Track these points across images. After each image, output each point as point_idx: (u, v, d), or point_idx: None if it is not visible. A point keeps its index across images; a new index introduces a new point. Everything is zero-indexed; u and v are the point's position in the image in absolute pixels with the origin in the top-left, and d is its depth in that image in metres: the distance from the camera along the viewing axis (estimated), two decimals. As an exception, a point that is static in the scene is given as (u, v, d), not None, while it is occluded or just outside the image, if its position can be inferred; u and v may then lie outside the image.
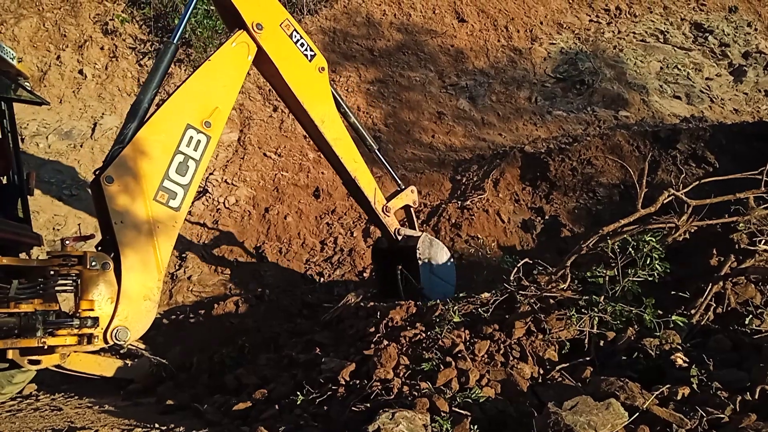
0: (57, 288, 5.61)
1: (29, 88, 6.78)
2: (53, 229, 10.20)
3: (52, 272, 5.61)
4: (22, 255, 6.36)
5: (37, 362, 5.49)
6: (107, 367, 6.79)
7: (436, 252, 7.47)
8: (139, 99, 5.87)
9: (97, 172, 5.68)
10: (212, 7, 12.61)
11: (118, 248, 5.47)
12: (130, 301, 5.47)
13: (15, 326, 5.25)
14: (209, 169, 11.69)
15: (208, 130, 5.99)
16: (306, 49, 6.74)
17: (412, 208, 7.92)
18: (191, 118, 5.92)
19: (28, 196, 6.79)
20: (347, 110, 7.45)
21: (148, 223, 5.59)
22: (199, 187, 11.31)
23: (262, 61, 6.55)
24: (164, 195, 5.71)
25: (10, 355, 5.15)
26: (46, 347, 5.29)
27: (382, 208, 7.41)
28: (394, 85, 13.11)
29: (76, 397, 6.74)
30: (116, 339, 5.36)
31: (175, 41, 6.06)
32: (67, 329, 5.31)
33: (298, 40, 6.70)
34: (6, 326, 5.19)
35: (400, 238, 7.53)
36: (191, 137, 5.90)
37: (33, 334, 5.20)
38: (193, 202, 11.00)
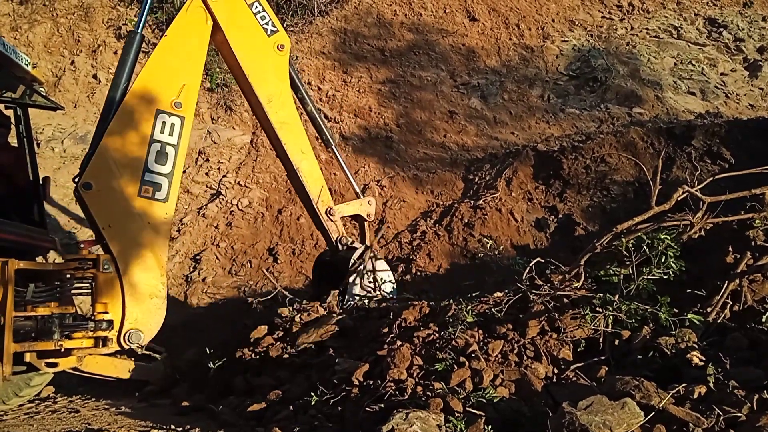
0: (73, 291, 5.67)
1: (44, 94, 6.85)
2: (69, 233, 10.31)
3: (68, 276, 5.67)
4: (39, 259, 6.44)
5: (54, 365, 5.55)
6: (123, 369, 6.83)
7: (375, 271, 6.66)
8: (110, 97, 5.61)
9: (76, 180, 5.51)
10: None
11: (112, 253, 5.38)
12: (136, 302, 5.39)
13: (32, 329, 5.31)
14: (222, 172, 11.76)
15: (180, 111, 5.68)
16: (267, 23, 6.32)
17: (366, 222, 7.03)
18: (159, 102, 5.60)
19: (44, 201, 6.86)
20: (306, 96, 6.83)
21: (138, 221, 5.42)
22: (213, 189, 11.39)
23: (215, 29, 6.14)
24: (149, 189, 5.50)
25: (27, 358, 5.20)
26: (62, 350, 5.33)
27: (326, 210, 6.64)
28: (405, 84, 13.11)
29: (93, 399, 6.79)
30: (129, 342, 5.35)
31: (139, 30, 5.76)
32: (82, 332, 5.35)
33: (258, 12, 6.30)
34: (23, 329, 5.25)
35: (341, 247, 6.80)
36: (164, 122, 5.59)
37: (50, 337, 5.25)
38: (206, 204, 11.08)
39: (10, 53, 5.87)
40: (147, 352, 6.59)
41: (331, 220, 6.69)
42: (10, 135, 6.74)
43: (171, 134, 5.60)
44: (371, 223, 7.06)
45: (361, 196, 7.08)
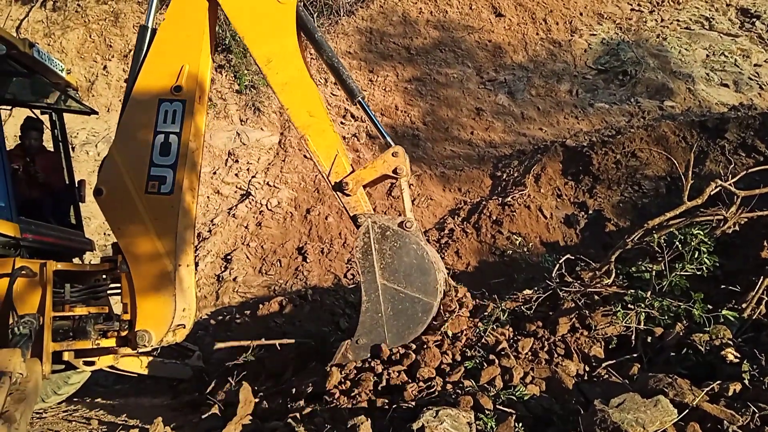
0: (109, 291, 5.80)
1: (78, 99, 7.01)
2: (104, 234, 10.52)
3: (104, 276, 5.80)
4: (75, 260, 6.61)
5: (92, 363, 5.68)
6: (158, 367, 6.97)
7: (393, 253, 4.97)
8: (127, 94, 5.48)
9: None
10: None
11: (124, 254, 5.29)
12: (144, 302, 5.28)
13: (69, 329, 5.45)
14: (251, 172, 11.89)
15: (180, 95, 5.30)
16: None
17: (403, 179, 5.26)
18: (161, 91, 5.32)
19: (80, 203, 7.03)
20: (321, 43, 5.51)
21: (145, 218, 5.24)
22: (242, 189, 11.52)
23: None
24: (155, 184, 5.26)
25: (65, 356, 5.33)
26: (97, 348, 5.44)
27: (336, 184, 5.24)
28: (431, 82, 13.09)
29: (131, 397, 6.96)
30: (138, 343, 5.20)
31: (150, 24, 5.52)
32: (111, 332, 5.45)
33: None
34: (61, 329, 5.38)
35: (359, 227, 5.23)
36: (166, 111, 5.31)
37: (87, 336, 5.37)
38: (237, 205, 11.21)
39: (44, 60, 6.02)
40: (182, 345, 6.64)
41: (347, 194, 5.23)
42: (45, 140, 6.91)
43: (173, 122, 5.30)
44: (407, 180, 5.34)
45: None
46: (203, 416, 5.24)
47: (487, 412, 3.88)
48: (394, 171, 5.22)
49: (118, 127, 5.44)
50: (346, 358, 4.86)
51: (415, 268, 4.96)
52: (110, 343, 5.43)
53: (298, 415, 4.50)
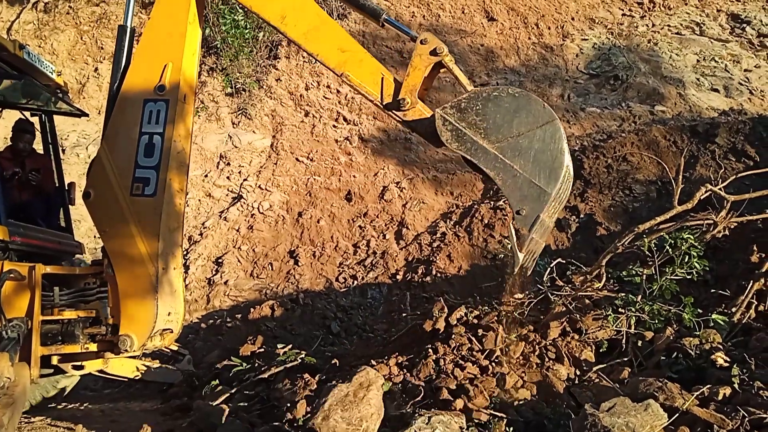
0: (98, 295, 5.75)
1: (68, 101, 6.95)
2: (94, 237, 10.45)
3: (94, 280, 5.76)
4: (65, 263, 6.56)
5: (81, 367, 5.62)
6: (147, 371, 6.93)
7: (483, 116, 4.37)
8: (110, 96, 5.40)
9: None
10: (239, 17, 12.83)
11: (109, 257, 5.22)
12: (128, 305, 5.19)
13: (58, 333, 5.39)
14: (243, 175, 11.85)
15: (164, 95, 5.22)
16: None
17: (446, 58, 4.62)
18: (145, 91, 5.24)
19: (70, 206, 6.98)
20: None
21: (129, 221, 5.16)
22: (234, 192, 11.48)
23: None
24: (139, 186, 5.17)
25: (54, 361, 5.28)
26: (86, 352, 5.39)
27: (390, 104, 4.79)
28: (424, 86, 13.08)
29: (120, 401, 6.91)
30: (120, 347, 5.11)
31: (128, 24, 5.44)
32: (99, 336, 5.38)
33: None
34: (50, 333, 5.33)
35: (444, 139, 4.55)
36: (151, 111, 5.24)
37: (75, 341, 5.31)
38: (228, 208, 11.17)
39: (35, 61, 5.97)
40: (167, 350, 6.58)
41: (404, 109, 4.76)
42: (35, 142, 6.86)
43: (157, 122, 5.21)
44: (450, 58, 4.68)
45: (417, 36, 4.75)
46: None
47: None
48: (433, 53, 4.60)
49: (106, 128, 5.38)
50: (524, 238, 4.15)
51: (512, 110, 4.27)
52: (98, 347, 5.38)
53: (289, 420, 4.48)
